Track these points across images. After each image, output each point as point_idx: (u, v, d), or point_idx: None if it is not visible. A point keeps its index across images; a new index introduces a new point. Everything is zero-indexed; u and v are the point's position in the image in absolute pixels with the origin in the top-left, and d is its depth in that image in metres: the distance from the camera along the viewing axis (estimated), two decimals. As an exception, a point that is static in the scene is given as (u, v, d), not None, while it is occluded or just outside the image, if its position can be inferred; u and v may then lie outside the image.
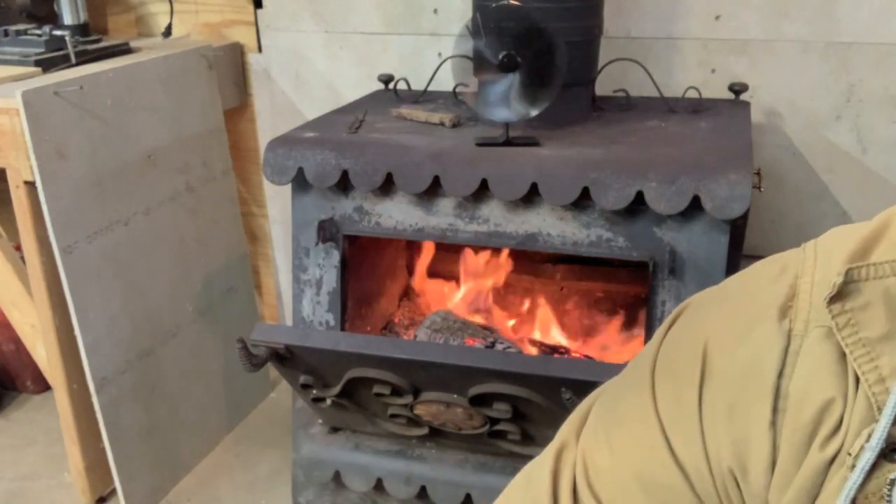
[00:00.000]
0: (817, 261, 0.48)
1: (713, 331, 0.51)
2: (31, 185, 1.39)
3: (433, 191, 1.24)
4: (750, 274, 0.53)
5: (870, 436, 0.43)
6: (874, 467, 0.43)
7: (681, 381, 0.51)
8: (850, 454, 0.44)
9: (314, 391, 1.25)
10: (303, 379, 1.23)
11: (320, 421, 1.41)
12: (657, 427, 0.51)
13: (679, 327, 0.55)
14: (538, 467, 0.59)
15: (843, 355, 0.45)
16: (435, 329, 1.47)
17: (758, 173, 1.27)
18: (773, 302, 0.48)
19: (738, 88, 1.44)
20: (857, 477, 0.43)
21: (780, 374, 0.47)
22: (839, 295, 0.45)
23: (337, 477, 1.38)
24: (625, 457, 0.53)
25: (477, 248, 1.60)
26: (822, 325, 0.46)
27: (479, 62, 1.24)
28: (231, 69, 1.86)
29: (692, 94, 1.44)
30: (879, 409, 0.43)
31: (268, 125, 1.90)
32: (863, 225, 0.48)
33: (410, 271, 1.72)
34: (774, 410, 0.47)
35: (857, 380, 0.45)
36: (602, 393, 0.59)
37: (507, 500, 0.61)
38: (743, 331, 0.49)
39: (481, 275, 1.64)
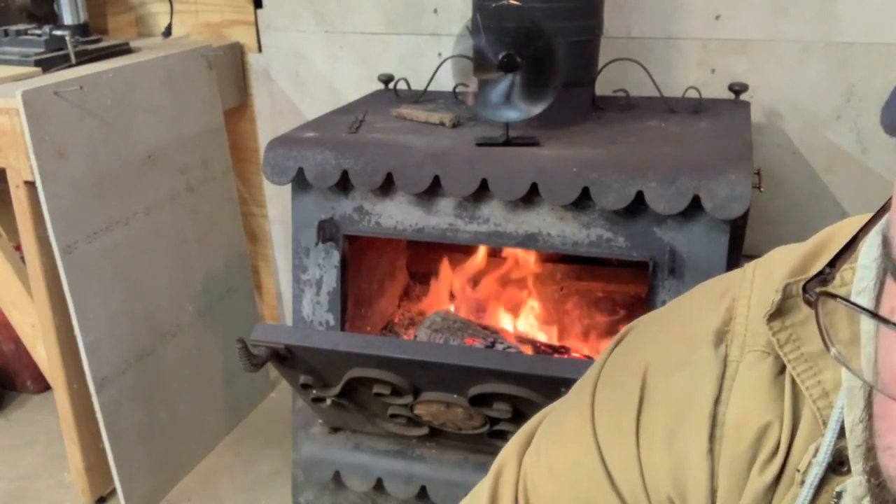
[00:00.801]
0: (755, 282, 0.48)
1: (653, 356, 0.51)
2: (31, 185, 1.39)
3: (433, 191, 1.24)
4: (692, 297, 0.53)
5: (816, 450, 0.43)
6: (822, 482, 0.43)
7: (620, 407, 0.51)
8: (798, 470, 0.44)
9: (314, 391, 1.25)
10: (303, 379, 1.23)
11: (320, 421, 1.41)
12: (595, 451, 0.51)
13: (620, 351, 0.55)
14: (478, 489, 0.59)
15: (779, 375, 0.45)
16: (435, 329, 1.47)
17: (758, 173, 1.27)
18: (710, 327, 0.48)
19: (738, 88, 1.44)
20: (806, 492, 0.43)
21: (717, 401, 0.47)
22: (779, 312, 0.44)
23: (337, 477, 1.38)
24: (563, 480, 0.53)
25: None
26: (757, 349, 0.46)
27: (479, 62, 1.24)
28: (231, 69, 1.86)
29: (692, 94, 1.44)
30: (825, 424, 0.43)
31: (268, 125, 1.90)
32: (806, 242, 0.48)
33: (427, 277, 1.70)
34: (711, 438, 0.47)
35: (795, 399, 0.44)
36: (548, 413, 0.59)
37: None
38: (681, 357, 0.49)
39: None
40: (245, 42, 1.88)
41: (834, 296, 0.34)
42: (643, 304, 1.29)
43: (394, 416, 1.27)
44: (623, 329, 0.56)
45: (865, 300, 0.38)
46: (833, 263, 0.37)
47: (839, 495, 0.42)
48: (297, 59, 1.83)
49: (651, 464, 0.49)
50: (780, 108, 1.54)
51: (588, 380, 0.55)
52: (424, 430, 1.28)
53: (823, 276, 0.37)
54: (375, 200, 1.30)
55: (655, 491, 0.49)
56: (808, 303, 0.35)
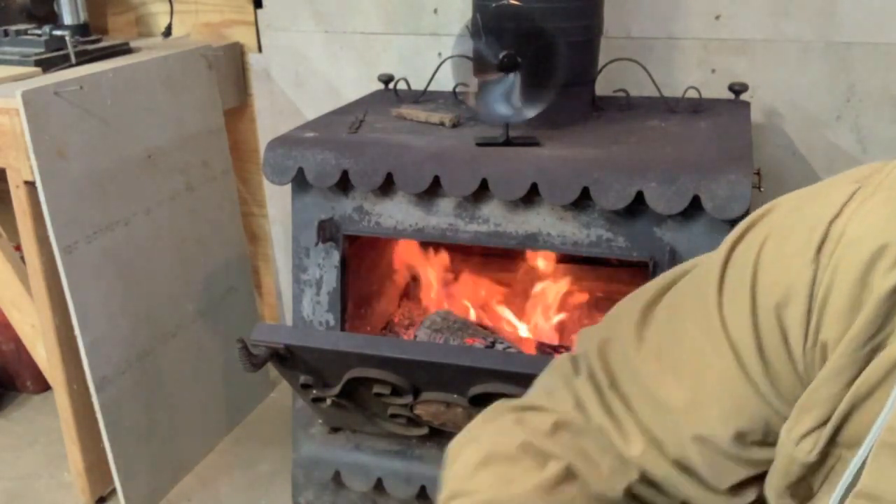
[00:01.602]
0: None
1: (782, 201, 0.56)
2: (31, 185, 1.39)
3: (433, 191, 1.24)
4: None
5: None
6: None
7: (741, 276, 0.54)
8: None
9: (314, 391, 1.25)
10: (303, 379, 1.23)
11: (320, 421, 1.41)
12: (717, 307, 0.55)
13: (754, 231, 0.57)
14: (559, 361, 0.63)
15: None
16: (435, 329, 1.47)
17: (758, 173, 1.27)
18: (848, 177, 0.52)
19: (738, 88, 1.44)
20: None
21: (833, 220, 0.49)
22: None
23: (337, 477, 1.38)
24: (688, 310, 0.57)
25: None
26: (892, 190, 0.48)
27: (479, 62, 1.24)
28: (231, 69, 1.86)
29: (692, 94, 1.44)
30: None
31: (268, 125, 1.90)
32: None
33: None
34: (819, 249, 0.49)
35: None
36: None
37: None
38: (809, 198, 0.54)
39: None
40: (245, 42, 1.88)
41: None
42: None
43: (394, 416, 1.27)
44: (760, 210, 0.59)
45: None
46: None
47: None
48: (297, 59, 1.83)
49: (763, 283, 0.52)
50: (780, 108, 1.54)
51: (720, 257, 0.57)
52: (424, 430, 1.28)
53: None
54: (375, 200, 1.30)
55: (765, 303, 0.51)
56: None
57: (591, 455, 0.58)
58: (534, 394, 0.65)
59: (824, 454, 0.49)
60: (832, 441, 0.48)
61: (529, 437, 0.59)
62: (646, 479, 0.58)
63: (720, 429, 0.54)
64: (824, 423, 0.48)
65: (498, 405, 0.65)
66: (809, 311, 0.49)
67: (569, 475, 0.57)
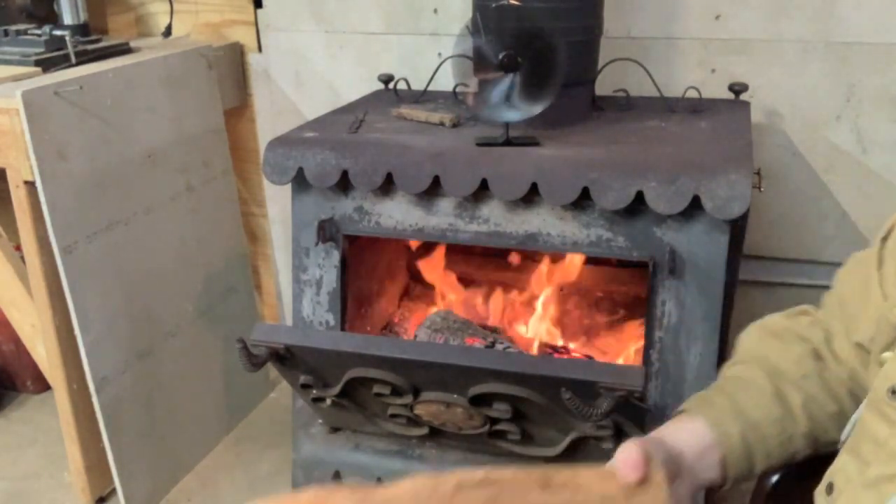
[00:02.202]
0: None
1: None
2: (31, 185, 1.39)
3: (433, 191, 1.24)
4: None
5: None
6: None
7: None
8: None
9: (314, 391, 1.25)
10: (303, 379, 1.23)
11: (320, 421, 1.41)
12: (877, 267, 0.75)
13: None
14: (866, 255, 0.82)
15: None
16: (435, 329, 1.47)
17: (758, 173, 1.27)
18: None
19: (738, 88, 1.44)
20: None
21: (885, 238, 0.73)
22: None
23: (337, 477, 1.38)
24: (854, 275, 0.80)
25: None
26: None
27: (479, 62, 1.24)
28: (231, 69, 1.86)
29: (692, 94, 1.44)
30: None
31: (268, 125, 1.90)
32: None
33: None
34: (880, 259, 0.73)
35: None
36: None
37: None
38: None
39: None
40: (245, 42, 1.88)
41: None
42: (643, 304, 1.29)
43: (394, 416, 1.27)
44: None
45: None
46: None
47: None
48: (297, 59, 1.83)
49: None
50: (780, 108, 1.54)
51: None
52: (424, 430, 1.28)
53: None
54: (375, 200, 1.30)
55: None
56: None
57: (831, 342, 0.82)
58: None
59: None
60: None
61: (794, 326, 0.85)
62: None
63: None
64: None
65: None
66: None
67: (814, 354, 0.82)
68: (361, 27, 1.76)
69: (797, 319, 0.86)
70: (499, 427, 1.20)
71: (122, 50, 1.66)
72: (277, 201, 1.97)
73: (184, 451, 1.75)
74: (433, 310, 1.60)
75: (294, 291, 1.40)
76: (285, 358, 1.19)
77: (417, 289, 1.73)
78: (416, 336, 1.50)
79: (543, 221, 1.23)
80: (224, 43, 1.84)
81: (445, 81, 1.44)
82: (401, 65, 1.73)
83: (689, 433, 0.74)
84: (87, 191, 1.44)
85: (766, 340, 0.85)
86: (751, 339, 0.86)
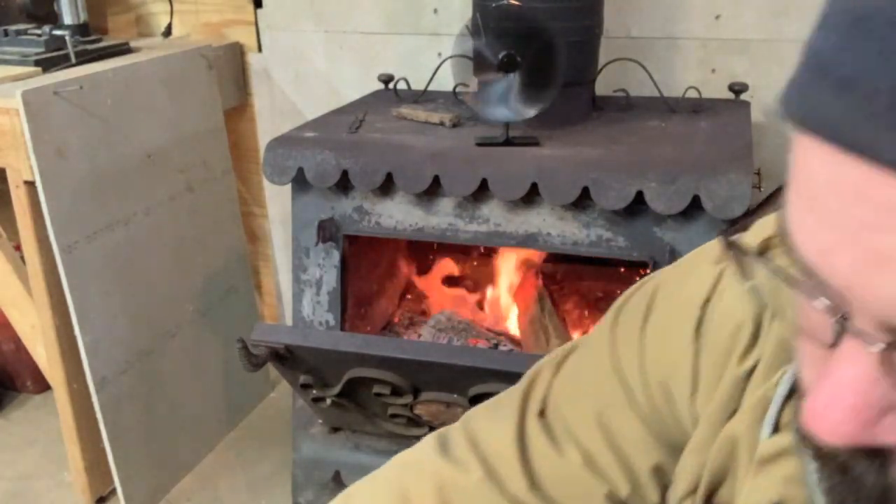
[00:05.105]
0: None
1: (663, 278, 0.59)
2: (31, 185, 1.39)
3: (433, 191, 1.24)
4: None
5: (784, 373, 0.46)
6: (786, 401, 0.46)
7: (633, 317, 0.58)
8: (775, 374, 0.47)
9: (314, 391, 1.25)
10: (303, 379, 1.23)
11: (320, 421, 1.41)
12: (608, 353, 0.58)
13: (642, 287, 0.61)
14: (511, 391, 0.64)
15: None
16: (439, 329, 1.47)
17: (758, 173, 1.27)
18: (713, 251, 0.55)
19: (738, 88, 1.44)
20: (774, 409, 0.46)
21: (707, 301, 0.53)
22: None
23: (337, 477, 1.38)
24: (583, 379, 0.60)
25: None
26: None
27: (478, 62, 1.24)
28: (231, 69, 1.86)
29: (692, 93, 1.44)
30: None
31: (268, 125, 1.90)
32: None
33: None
34: (697, 329, 0.53)
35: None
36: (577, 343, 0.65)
37: (474, 415, 0.65)
38: (685, 273, 0.57)
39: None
40: (245, 42, 1.88)
41: (732, 245, 0.37)
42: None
43: (394, 416, 1.27)
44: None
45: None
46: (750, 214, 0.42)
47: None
48: (297, 59, 1.83)
49: (651, 356, 0.56)
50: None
51: (613, 310, 0.61)
52: (424, 430, 1.28)
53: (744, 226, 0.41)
54: (375, 200, 1.30)
55: (652, 378, 0.55)
56: (726, 247, 0.38)
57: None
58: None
59: None
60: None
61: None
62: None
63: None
64: (694, 490, 0.52)
65: None
66: (693, 391, 0.53)
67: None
68: (361, 27, 1.76)
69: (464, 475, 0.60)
70: (499, 427, 1.20)
71: (122, 50, 1.66)
72: (277, 201, 1.97)
73: (184, 451, 1.75)
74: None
75: (294, 291, 1.40)
76: (285, 358, 1.19)
77: (417, 289, 1.73)
78: (420, 335, 1.50)
79: (543, 221, 1.23)
80: (224, 43, 1.84)
81: (445, 81, 1.44)
82: (401, 65, 1.73)
83: None
84: (87, 190, 1.44)
85: None
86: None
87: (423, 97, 1.52)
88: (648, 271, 1.19)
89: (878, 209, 0.28)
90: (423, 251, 1.71)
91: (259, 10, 1.83)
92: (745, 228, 0.42)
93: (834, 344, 0.32)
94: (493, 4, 1.25)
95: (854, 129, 0.28)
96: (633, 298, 0.60)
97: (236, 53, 1.87)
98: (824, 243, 0.30)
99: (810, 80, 0.31)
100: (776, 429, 0.46)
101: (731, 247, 0.37)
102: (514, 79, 1.20)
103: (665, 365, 0.54)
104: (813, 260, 0.31)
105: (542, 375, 0.63)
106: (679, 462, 0.54)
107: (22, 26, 1.60)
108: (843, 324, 0.31)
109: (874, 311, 0.29)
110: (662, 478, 0.57)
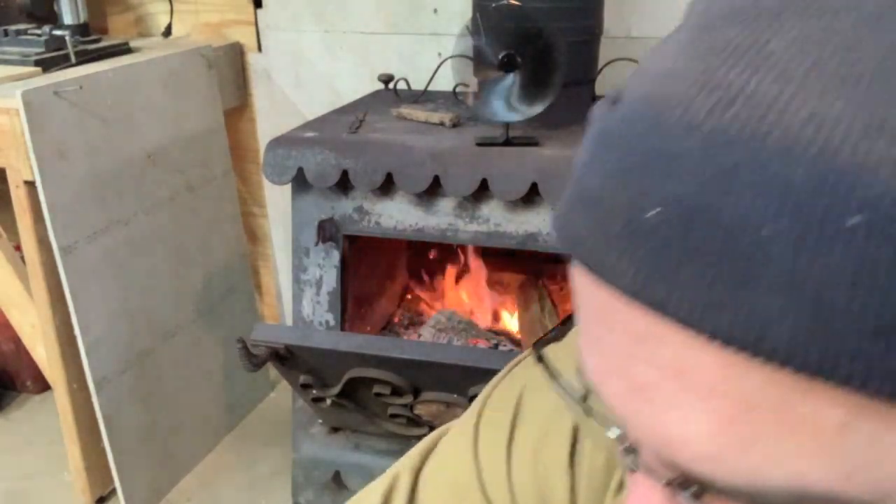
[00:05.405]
0: None
1: (530, 377, 0.52)
2: (31, 185, 1.39)
3: (433, 191, 1.24)
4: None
5: None
6: None
7: (498, 424, 0.52)
8: None
9: (314, 391, 1.25)
10: (303, 379, 1.23)
11: (320, 421, 1.41)
12: (474, 467, 0.52)
13: (510, 374, 0.56)
14: (370, 489, 0.60)
15: None
16: (440, 328, 1.47)
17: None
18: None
19: (738, 88, 1.44)
20: None
21: (577, 425, 0.47)
22: None
23: (337, 477, 1.38)
24: (444, 492, 0.54)
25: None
26: None
27: (479, 62, 1.24)
28: (231, 69, 1.86)
29: (692, 94, 1.44)
30: None
31: (268, 125, 1.90)
32: None
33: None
34: (572, 455, 0.47)
35: None
36: (446, 430, 0.59)
37: None
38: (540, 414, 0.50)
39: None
40: (245, 42, 1.88)
41: (541, 359, 0.34)
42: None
43: (394, 416, 1.27)
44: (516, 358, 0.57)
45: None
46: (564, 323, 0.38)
47: None
48: (297, 59, 1.83)
49: (519, 478, 0.50)
50: (780, 108, 1.54)
51: (479, 400, 0.55)
52: (424, 430, 1.28)
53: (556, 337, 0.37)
54: (375, 200, 1.30)
55: (522, 500, 0.50)
56: (536, 360, 0.35)
57: None
58: None
59: None
60: None
61: None
62: None
63: None
64: None
65: None
66: None
67: None
68: (361, 27, 1.76)
69: None
70: (499, 427, 1.20)
71: (122, 50, 1.66)
72: (277, 201, 1.97)
73: (184, 451, 1.75)
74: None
75: (294, 291, 1.40)
76: (285, 358, 1.19)
77: (417, 289, 1.73)
78: (420, 335, 1.50)
79: (543, 221, 1.23)
80: (224, 43, 1.84)
81: (445, 81, 1.44)
82: (401, 65, 1.73)
83: None
84: (87, 191, 1.44)
85: None
86: None
87: (423, 97, 1.52)
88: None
89: (634, 339, 0.25)
90: (422, 251, 1.71)
91: (259, 10, 1.83)
92: (558, 338, 0.37)
93: (632, 470, 0.29)
94: (493, 4, 1.25)
95: (597, 253, 0.25)
96: (498, 393, 0.54)
97: (236, 53, 1.87)
98: (598, 369, 0.28)
99: (569, 196, 0.28)
100: None
101: (541, 360, 0.34)
102: (514, 79, 1.20)
103: (536, 494, 0.49)
104: (595, 387, 0.28)
105: (400, 481, 0.58)
106: None
107: (22, 26, 1.60)
108: (632, 455, 0.29)
109: (651, 445, 0.27)
110: None
